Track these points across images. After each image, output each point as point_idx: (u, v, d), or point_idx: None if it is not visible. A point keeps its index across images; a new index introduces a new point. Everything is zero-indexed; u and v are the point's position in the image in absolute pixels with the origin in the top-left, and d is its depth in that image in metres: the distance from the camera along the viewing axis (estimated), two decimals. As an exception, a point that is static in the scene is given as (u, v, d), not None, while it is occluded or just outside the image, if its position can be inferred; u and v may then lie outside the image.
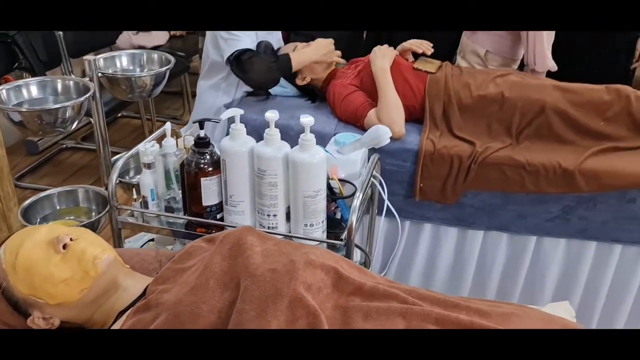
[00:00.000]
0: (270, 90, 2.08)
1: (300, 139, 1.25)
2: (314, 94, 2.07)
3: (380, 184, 1.54)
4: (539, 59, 2.06)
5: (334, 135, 1.63)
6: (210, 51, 1.99)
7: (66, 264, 0.94)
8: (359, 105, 1.87)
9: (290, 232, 1.34)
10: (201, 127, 1.34)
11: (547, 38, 2.06)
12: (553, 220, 1.80)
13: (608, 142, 1.79)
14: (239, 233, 0.98)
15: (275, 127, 1.27)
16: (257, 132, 1.61)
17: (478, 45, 2.26)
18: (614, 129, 1.80)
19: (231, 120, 1.32)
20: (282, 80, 2.06)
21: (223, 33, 1.87)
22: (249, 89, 2.07)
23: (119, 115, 3.65)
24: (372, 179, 1.50)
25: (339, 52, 2.02)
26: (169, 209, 1.44)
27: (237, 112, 1.30)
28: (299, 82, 2.03)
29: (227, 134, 1.34)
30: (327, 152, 1.43)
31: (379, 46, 1.97)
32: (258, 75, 1.86)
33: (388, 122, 1.73)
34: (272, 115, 1.26)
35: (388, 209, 1.59)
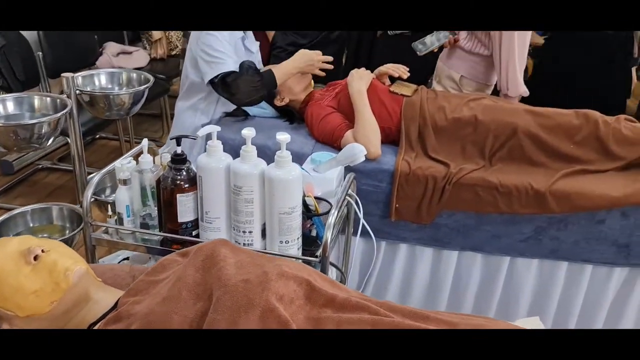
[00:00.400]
0: (248, 111, 2.11)
1: (276, 156, 1.26)
2: (292, 115, 2.09)
3: (356, 202, 1.56)
4: (511, 84, 2.13)
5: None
6: (189, 72, 2.01)
7: (37, 275, 0.93)
8: (336, 126, 1.90)
9: (265, 249, 1.35)
10: (178, 144, 1.35)
11: (519, 64, 2.12)
12: (526, 240, 1.83)
13: (578, 164, 1.84)
14: (213, 245, 0.98)
15: (252, 146, 1.29)
16: (234, 151, 1.61)
17: (453, 71, 2.33)
18: (584, 152, 1.85)
19: (209, 138, 1.33)
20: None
21: (204, 55, 1.88)
22: (228, 110, 2.09)
23: (97, 136, 3.63)
24: (347, 197, 1.51)
25: (324, 59, 1.98)
26: (144, 225, 1.43)
27: (214, 128, 1.32)
28: (277, 103, 2.06)
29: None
30: (303, 170, 1.45)
31: (356, 69, 2.01)
32: (245, 95, 1.88)
33: (364, 143, 1.75)
34: (248, 132, 1.28)
35: (364, 228, 1.61)
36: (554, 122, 1.86)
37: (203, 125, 2.03)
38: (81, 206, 1.44)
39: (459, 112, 1.89)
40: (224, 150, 1.35)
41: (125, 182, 1.40)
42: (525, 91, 2.15)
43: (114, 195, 1.52)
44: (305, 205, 1.37)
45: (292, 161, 1.28)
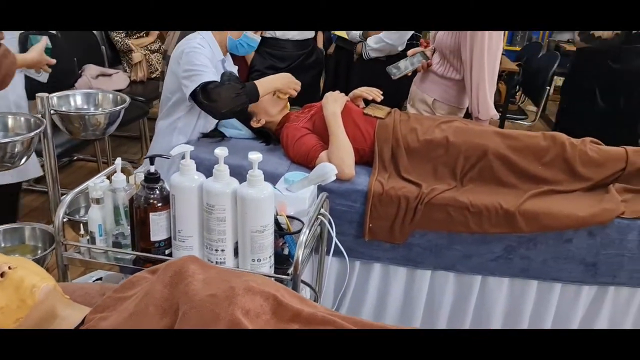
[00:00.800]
0: (225, 132, 2.13)
1: (248, 175, 1.29)
2: (268, 136, 2.12)
3: (329, 221, 1.58)
4: (482, 107, 2.19)
5: (286, 175, 1.67)
6: (168, 90, 2.02)
7: (3, 292, 0.93)
8: (311, 147, 1.93)
9: (238, 267, 1.36)
10: (151, 163, 1.36)
11: (489, 89, 2.19)
12: (496, 260, 1.86)
13: (546, 185, 1.89)
14: (182, 262, 0.99)
15: (228, 167, 1.31)
16: (209, 171, 1.63)
17: (426, 94, 2.39)
18: (552, 173, 1.90)
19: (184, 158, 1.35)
20: (237, 123, 2.11)
21: (184, 73, 1.90)
22: (205, 130, 2.11)
23: (75, 158, 3.62)
24: (320, 216, 1.54)
25: (298, 83, 2.06)
26: (117, 244, 1.44)
27: (186, 148, 1.33)
28: (253, 124, 2.09)
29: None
30: (276, 189, 1.47)
31: (331, 92, 2.06)
32: (226, 102, 1.86)
33: (338, 164, 1.78)
34: (221, 152, 1.30)
35: (337, 248, 1.63)
36: (523, 144, 1.91)
37: (180, 146, 2.05)
38: (53, 226, 1.44)
39: (431, 134, 1.94)
40: (200, 170, 1.37)
41: (98, 201, 1.40)
42: (495, 114, 2.21)
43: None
44: (277, 223, 1.39)
45: (268, 182, 1.30)
